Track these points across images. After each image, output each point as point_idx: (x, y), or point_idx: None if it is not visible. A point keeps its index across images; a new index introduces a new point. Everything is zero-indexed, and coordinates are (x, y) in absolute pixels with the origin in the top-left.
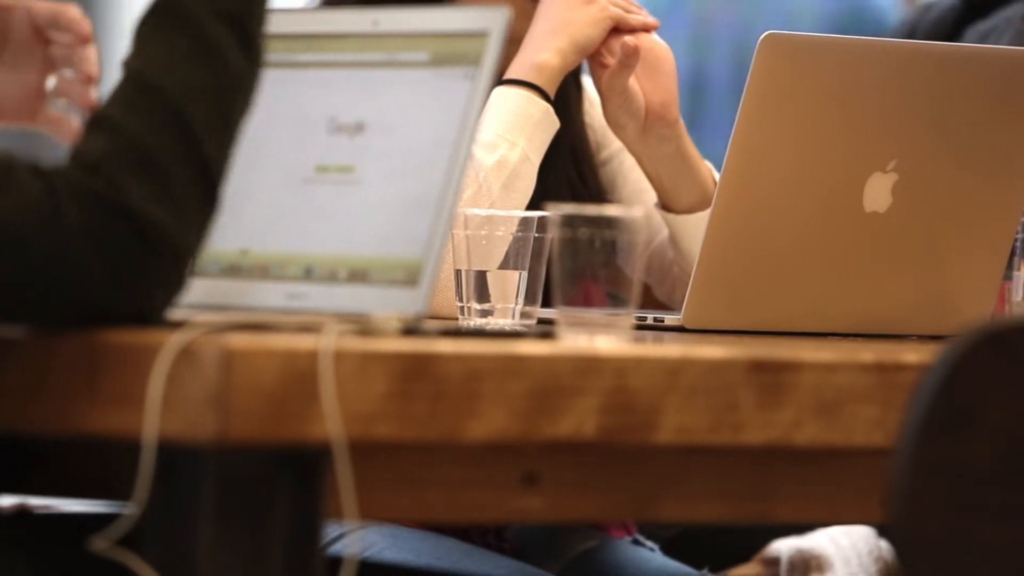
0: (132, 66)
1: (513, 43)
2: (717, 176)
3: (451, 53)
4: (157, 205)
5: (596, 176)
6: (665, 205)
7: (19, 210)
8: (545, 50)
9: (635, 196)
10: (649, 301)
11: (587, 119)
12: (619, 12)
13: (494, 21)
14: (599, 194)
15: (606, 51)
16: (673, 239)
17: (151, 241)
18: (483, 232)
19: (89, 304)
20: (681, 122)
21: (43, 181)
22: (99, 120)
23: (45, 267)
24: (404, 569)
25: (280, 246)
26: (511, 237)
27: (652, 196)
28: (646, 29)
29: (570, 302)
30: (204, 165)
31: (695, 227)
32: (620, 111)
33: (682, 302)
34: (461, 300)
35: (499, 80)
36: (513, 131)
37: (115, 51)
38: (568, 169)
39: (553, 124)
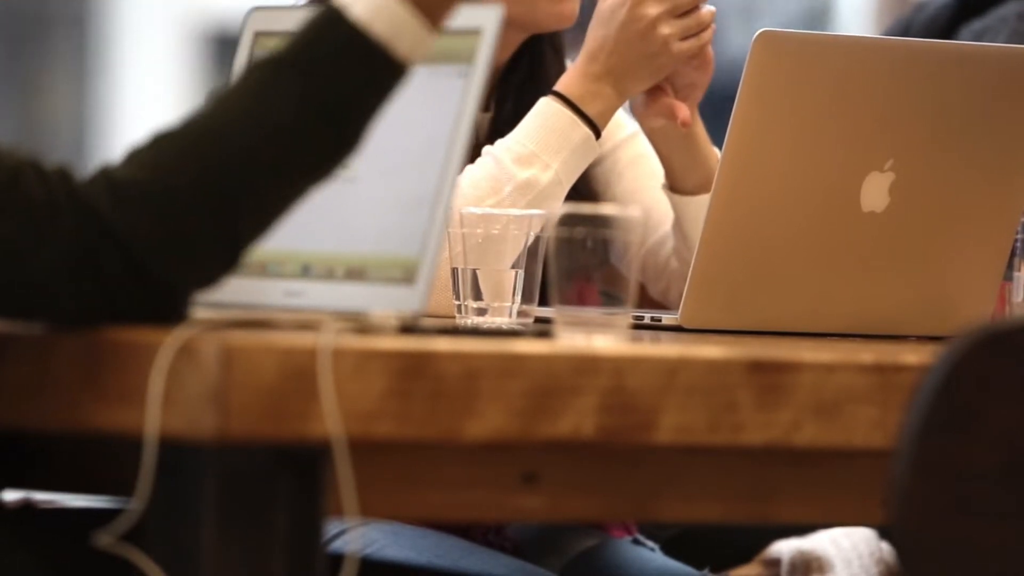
0: (212, 108)
1: (516, 29)
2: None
3: (444, 51)
4: (158, 243)
5: (587, 178)
6: (672, 186)
7: (21, 224)
8: (611, 84)
9: (629, 195)
10: (643, 300)
11: None
12: (686, 49)
13: (487, 19)
14: (589, 196)
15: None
16: (677, 223)
17: (142, 275)
18: (479, 231)
19: (78, 320)
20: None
21: (46, 192)
22: (140, 151)
23: (40, 281)
24: (405, 567)
25: (278, 244)
26: (513, 237)
27: (646, 195)
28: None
29: (567, 301)
30: (234, 236)
31: (697, 209)
32: (651, 121)
33: (677, 300)
34: (458, 299)
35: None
36: (551, 151)
37: (112, 65)
38: None
39: (592, 151)
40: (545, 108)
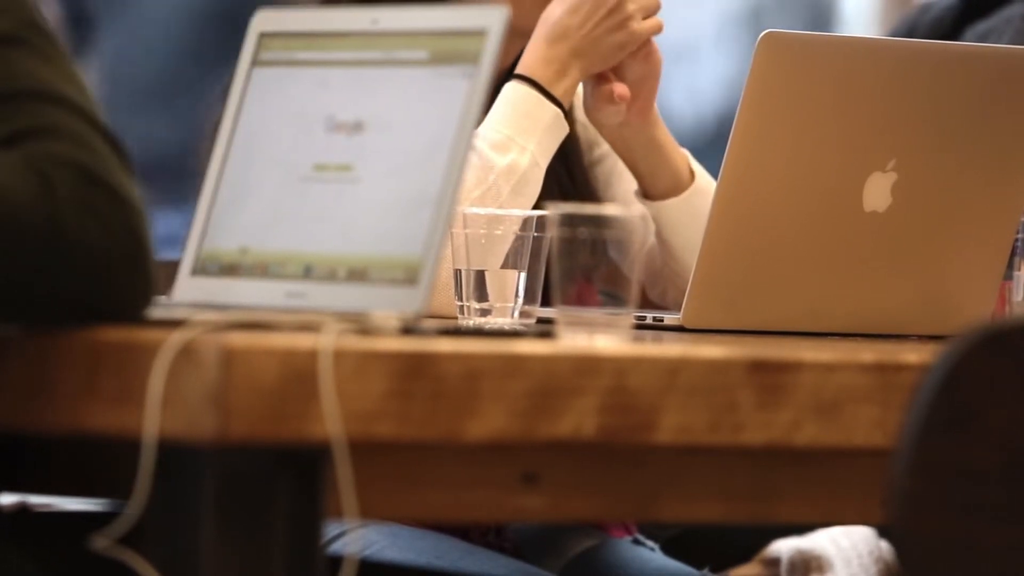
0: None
1: (517, 36)
2: (692, 162)
3: (450, 51)
4: (118, 175)
5: (586, 176)
6: (644, 192)
7: (24, 189)
8: (575, 64)
9: (630, 195)
10: (643, 303)
11: (579, 116)
12: (641, 33)
13: (493, 19)
14: (589, 194)
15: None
16: (656, 230)
17: (132, 207)
18: (482, 231)
19: (97, 272)
20: (655, 110)
21: (30, 165)
22: (17, 135)
23: (46, 241)
24: (404, 568)
25: (279, 245)
26: (510, 236)
27: None
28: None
29: (569, 301)
30: (105, 131)
31: (668, 214)
32: (603, 115)
33: (675, 303)
34: (460, 299)
35: (511, 70)
36: (524, 134)
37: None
38: (558, 169)
39: (563, 129)
40: (513, 93)
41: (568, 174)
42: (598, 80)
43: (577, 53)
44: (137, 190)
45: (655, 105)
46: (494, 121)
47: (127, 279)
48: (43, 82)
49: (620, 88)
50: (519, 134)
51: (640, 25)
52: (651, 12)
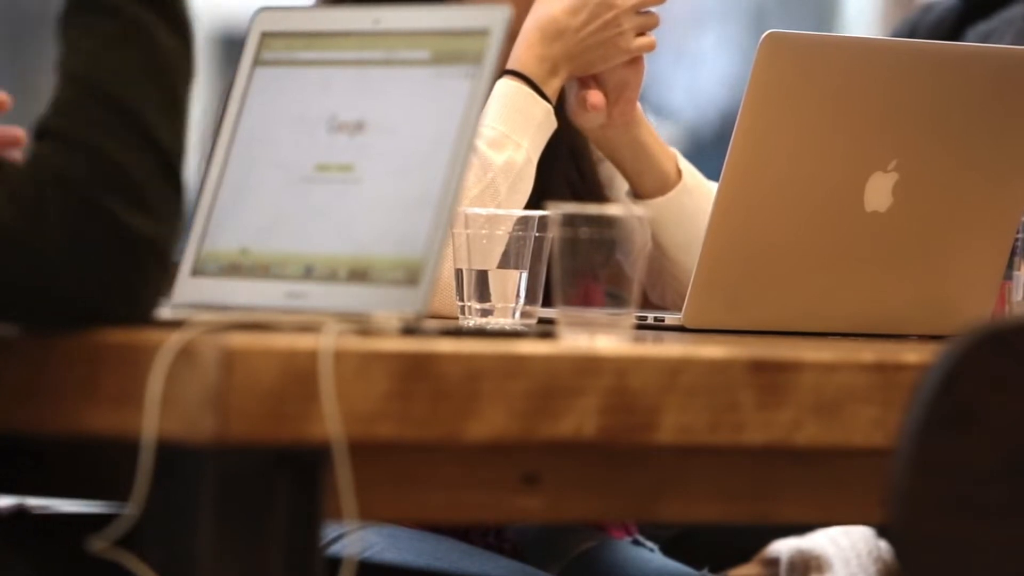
0: (67, 67)
1: (514, 40)
2: (681, 161)
3: (452, 51)
4: (128, 208)
5: (595, 173)
6: (632, 192)
7: (9, 209)
8: (565, 66)
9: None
10: (644, 304)
11: None
12: (630, 51)
13: (495, 19)
14: (598, 191)
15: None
16: None
17: (130, 245)
18: (484, 231)
19: (77, 308)
20: (638, 111)
21: (31, 179)
22: (48, 132)
23: (35, 271)
24: (404, 569)
25: (280, 245)
26: (516, 238)
27: None
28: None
29: (570, 302)
30: (160, 151)
31: (657, 213)
32: (582, 119)
33: (673, 304)
34: (462, 300)
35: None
36: (518, 131)
37: None
38: (567, 167)
39: (552, 125)
40: (506, 89)
41: (579, 173)
42: (577, 84)
43: (569, 56)
44: (148, 212)
45: (638, 106)
46: (489, 117)
47: (122, 314)
48: (103, 72)
49: (594, 97)
50: (514, 131)
51: (630, 43)
52: (648, 29)
